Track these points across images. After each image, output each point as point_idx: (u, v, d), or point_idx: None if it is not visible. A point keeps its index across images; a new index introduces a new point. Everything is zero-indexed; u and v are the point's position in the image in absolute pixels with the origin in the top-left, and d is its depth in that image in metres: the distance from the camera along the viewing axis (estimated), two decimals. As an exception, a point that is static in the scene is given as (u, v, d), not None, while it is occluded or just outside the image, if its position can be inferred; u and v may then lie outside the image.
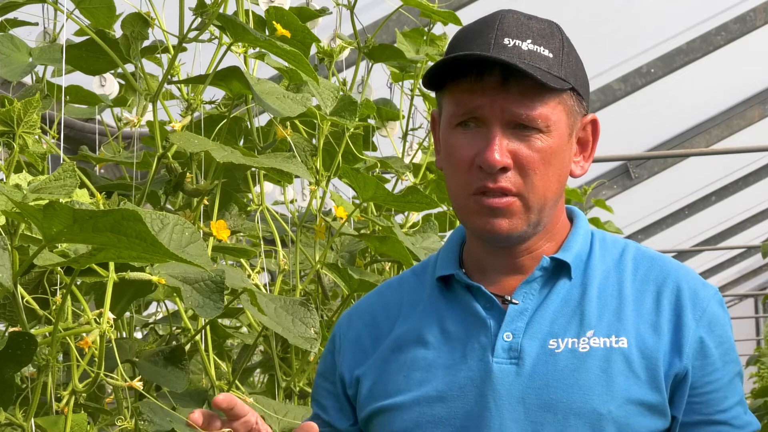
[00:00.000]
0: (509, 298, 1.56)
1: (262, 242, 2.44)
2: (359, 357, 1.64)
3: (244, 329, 2.68)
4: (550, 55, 1.51)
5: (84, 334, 1.68)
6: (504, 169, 1.50)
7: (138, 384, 1.75)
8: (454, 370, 1.55)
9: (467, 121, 1.52)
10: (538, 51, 1.50)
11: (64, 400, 1.75)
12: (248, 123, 2.39)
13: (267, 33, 2.28)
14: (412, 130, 2.91)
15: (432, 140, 2.50)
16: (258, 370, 2.80)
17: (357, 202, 2.54)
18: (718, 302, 1.57)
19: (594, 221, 4.78)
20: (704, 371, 1.53)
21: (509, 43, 1.49)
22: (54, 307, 1.72)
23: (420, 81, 2.82)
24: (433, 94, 2.85)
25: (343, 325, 1.69)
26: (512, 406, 1.51)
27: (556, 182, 1.55)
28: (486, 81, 1.50)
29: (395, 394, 1.58)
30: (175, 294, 1.97)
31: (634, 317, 1.54)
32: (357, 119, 2.31)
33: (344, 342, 1.67)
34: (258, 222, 2.44)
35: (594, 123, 1.59)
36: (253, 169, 2.38)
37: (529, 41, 1.50)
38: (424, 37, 2.83)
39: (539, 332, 1.53)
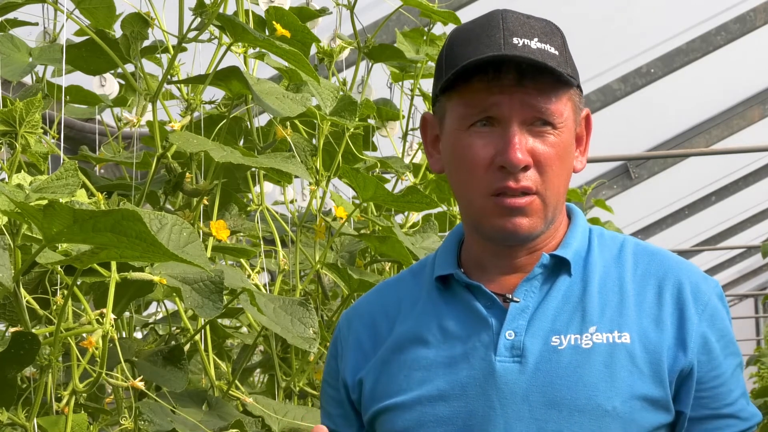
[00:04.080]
0: (510, 296, 1.56)
1: (262, 242, 2.44)
2: (360, 360, 1.64)
3: (244, 329, 2.68)
4: (556, 53, 1.52)
5: (86, 334, 1.68)
6: (525, 168, 1.51)
7: (140, 384, 1.75)
8: (455, 369, 1.55)
9: (481, 121, 1.52)
10: (546, 49, 1.51)
11: (65, 400, 1.75)
12: (248, 123, 2.39)
13: (267, 33, 2.29)
14: (412, 130, 2.91)
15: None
16: (258, 370, 2.80)
17: (357, 202, 2.54)
18: (719, 296, 1.58)
19: (594, 221, 4.78)
20: (709, 366, 1.53)
21: (518, 43, 1.50)
22: (55, 307, 1.72)
23: (420, 81, 2.83)
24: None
25: (343, 329, 1.69)
26: (516, 404, 1.51)
27: (566, 178, 1.56)
28: (503, 80, 1.50)
29: (396, 393, 1.58)
30: (174, 294, 1.97)
31: (635, 312, 1.54)
32: (357, 119, 2.31)
33: (345, 346, 1.67)
34: (258, 222, 2.44)
35: (587, 117, 1.61)
36: (253, 169, 2.39)
37: (536, 39, 1.51)
38: (424, 37, 2.83)
39: (541, 329, 1.53)
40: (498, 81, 1.50)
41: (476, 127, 1.53)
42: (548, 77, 1.50)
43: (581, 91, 1.57)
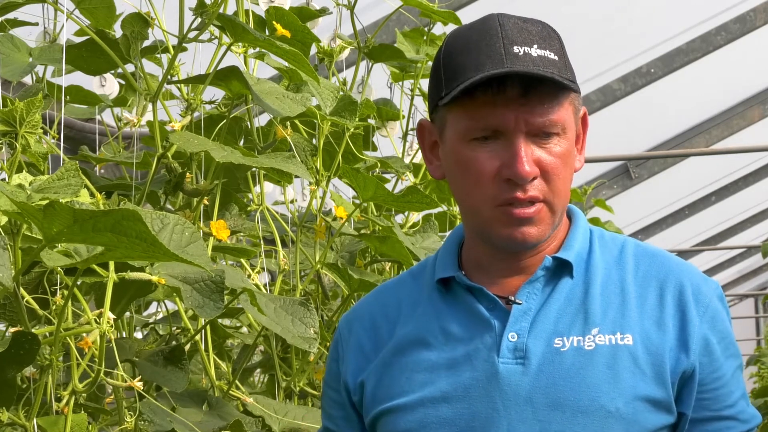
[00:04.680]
0: (513, 299, 1.56)
1: (262, 242, 2.44)
2: (362, 362, 1.64)
3: (244, 329, 2.68)
4: (556, 58, 1.51)
5: (84, 334, 1.68)
6: (533, 178, 1.51)
7: (138, 384, 1.75)
8: (457, 371, 1.55)
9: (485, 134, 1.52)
10: (546, 55, 1.50)
11: (64, 400, 1.75)
12: (248, 123, 2.39)
13: (267, 33, 2.29)
14: (412, 130, 2.91)
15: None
16: (258, 370, 2.80)
17: (357, 202, 2.54)
18: (719, 297, 1.58)
19: (594, 221, 4.78)
20: (711, 367, 1.54)
21: (519, 52, 1.49)
22: (55, 307, 1.72)
23: (420, 81, 2.83)
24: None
25: (343, 332, 1.69)
26: (520, 406, 1.51)
27: (570, 181, 1.57)
28: (508, 93, 1.49)
29: (398, 395, 1.58)
30: (175, 294, 1.97)
31: (637, 314, 1.54)
32: (357, 119, 2.31)
33: (346, 348, 1.67)
34: (258, 222, 2.44)
35: (584, 117, 1.60)
36: (253, 169, 2.39)
37: (535, 46, 1.50)
38: (424, 37, 2.83)
39: (544, 331, 1.54)
40: (503, 95, 1.49)
41: (480, 139, 1.52)
42: (551, 86, 1.50)
43: (580, 93, 1.57)
